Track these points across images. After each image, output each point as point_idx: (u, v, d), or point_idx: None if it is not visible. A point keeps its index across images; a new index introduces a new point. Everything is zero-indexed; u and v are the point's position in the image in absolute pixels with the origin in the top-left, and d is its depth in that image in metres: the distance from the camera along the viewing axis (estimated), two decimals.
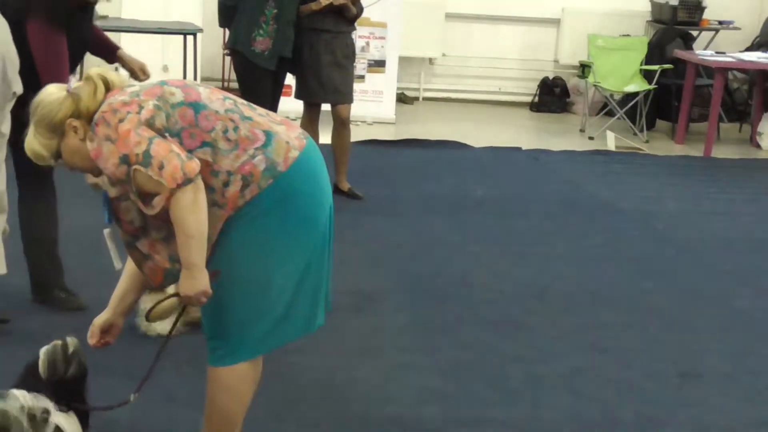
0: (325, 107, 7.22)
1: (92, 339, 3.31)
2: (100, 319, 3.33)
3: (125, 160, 2.94)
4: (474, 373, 4.60)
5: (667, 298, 5.75)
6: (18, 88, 4.03)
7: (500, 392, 4.43)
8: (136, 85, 3.11)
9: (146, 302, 3.77)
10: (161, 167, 2.91)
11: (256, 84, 6.72)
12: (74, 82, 3.11)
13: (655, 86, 10.11)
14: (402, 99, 11.04)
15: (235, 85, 7.24)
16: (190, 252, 2.99)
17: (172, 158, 2.92)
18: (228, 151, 3.02)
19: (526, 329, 5.16)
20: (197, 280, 3.02)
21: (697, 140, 10.04)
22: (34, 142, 3.08)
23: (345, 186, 7.20)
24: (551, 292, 5.71)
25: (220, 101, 3.10)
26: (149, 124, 2.96)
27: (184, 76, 8.41)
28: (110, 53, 5.00)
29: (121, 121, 2.95)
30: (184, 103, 3.03)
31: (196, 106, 3.04)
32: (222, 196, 3.03)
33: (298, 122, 7.18)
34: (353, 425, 3.99)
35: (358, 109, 8.41)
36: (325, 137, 7.22)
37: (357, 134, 8.23)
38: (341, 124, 7.21)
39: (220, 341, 3.18)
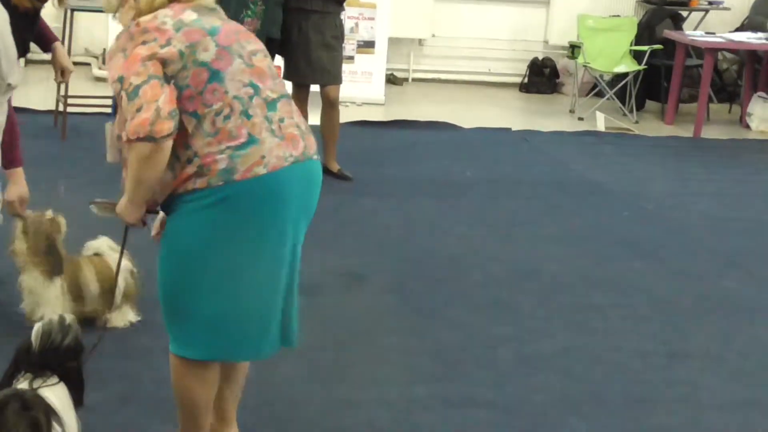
0: (314, 88, 7.20)
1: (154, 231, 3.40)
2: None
3: (120, 80, 3.02)
4: (464, 354, 4.61)
5: (655, 279, 5.76)
6: (14, 79, 3.97)
7: (490, 373, 4.44)
8: (194, 14, 3.10)
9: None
10: (138, 110, 2.96)
11: None
12: None
13: (645, 67, 10.10)
14: (391, 80, 11.02)
15: None
16: (134, 192, 3.13)
17: (149, 108, 2.95)
18: (208, 134, 3.03)
19: (515, 310, 5.16)
20: (131, 212, 3.19)
21: (687, 121, 10.04)
22: None
23: (334, 167, 7.19)
24: (540, 273, 5.71)
25: (239, 84, 3.08)
26: (164, 63, 3.00)
27: None
28: (47, 43, 4.97)
29: (143, 43, 3.01)
30: (207, 65, 3.03)
31: (214, 74, 3.04)
32: (179, 169, 3.06)
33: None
34: (342, 407, 3.99)
35: (347, 90, 8.40)
36: (314, 118, 7.20)
37: (346, 115, 8.21)
38: (330, 105, 7.19)
39: (167, 326, 3.26)
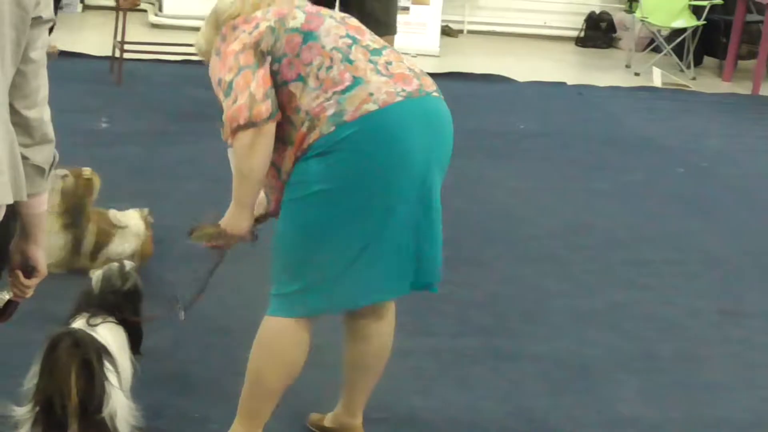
0: None
1: None
2: None
3: (219, 82, 2.99)
4: (514, 307, 4.60)
5: (709, 236, 5.71)
6: (48, 13, 3.90)
7: (540, 327, 4.43)
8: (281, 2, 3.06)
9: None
10: (235, 101, 2.91)
11: None
12: None
13: (704, 22, 9.95)
14: (446, 31, 10.94)
15: None
16: (240, 190, 3.01)
17: (243, 96, 2.89)
18: (313, 89, 2.94)
19: (567, 265, 5.14)
20: (239, 220, 3.05)
21: (745, 78, 9.89)
22: (200, 34, 3.16)
23: None
24: (593, 228, 5.68)
25: (335, 37, 2.99)
26: (255, 46, 2.95)
27: None
28: None
29: (235, 39, 2.98)
30: (298, 30, 2.97)
31: (308, 36, 2.97)
32: (296, 134, 2.95)
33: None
34: (391, 356, 4.00)
35: (401, 41, 8.32)
36: None
37: None
38: None
39: (272, 288, 3.10)
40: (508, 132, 7.52)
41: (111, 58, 7.91)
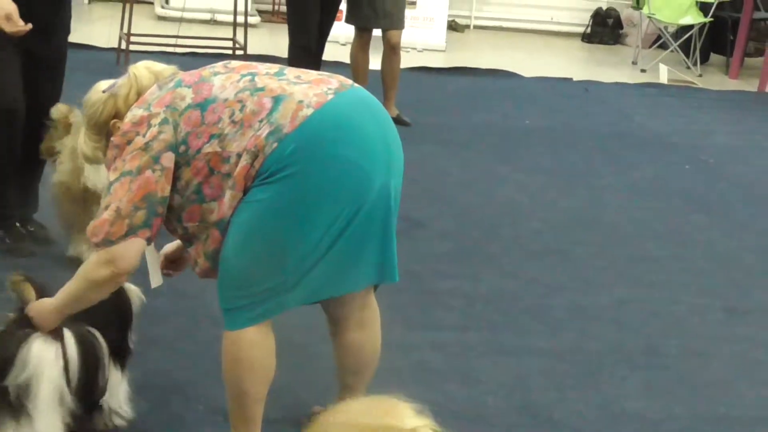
0: (376, 33, 7.16)
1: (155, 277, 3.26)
2: (170, 248, 3.29)
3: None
4: (517, 302, 4.59)
5: (715, 233, 5.70)
6: None
7: (543, 322, 4.43)
8: (154, 92, 2.92)
9: None
10: (105, 208, 2.84)
11: (303, 7, 6.66)
12: (120, 79, 3.01)
13: (711, 19, 9.93)
14: (453, 26, 10.94)
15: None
16: (66, 305, 2.95)
17: (111, 211, 2.83)
18: (234, 133, 2.81)
19: (571, 260, 5.13)
20: (50, 323, 2.98)
21: (752, 75, 9.88)
22: (85, 146, 3.05)
23: (393, 112, 7.16)
24: (598, 224, 5.67)
25: (233, 84, 2.88)
26: (150, 146, 2.83)
27: (236, 4, 8.36)
28: None
29: (128, 143, 2.85)
30: (191, 106, 2.86)
31: (204, 105, 2.85)
32: (233, 179, 2.83)
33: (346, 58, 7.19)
34: (396, 349, 4.00)
35: (408, 35, 8.34)
36: (375, 63, 7.18)
37: (406, 61, 8.16)
38: (392, 50, 7.15)
39: (221, 305, 3.00)
40: (514, 127, 7.51)
41: (117, 50, 7.91)
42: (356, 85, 3.03)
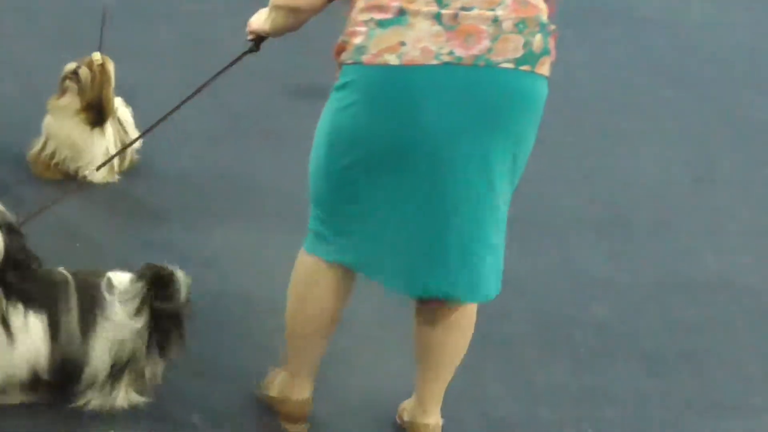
0: None
1: None
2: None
3: None
4: None
5: (686, 107, 5.70)
6: None
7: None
8: None
9: None
10: None
11: None
12: None
13: None
14: None
15: None
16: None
17: None
18: (360, 11, 2.48)
19: (541, 129, 5.11)
20: (266, 22, 2.75)
21: None
22: None
23: None
24: (568, 98, 5.65)
25: None
26: None
27: None
28: None
29: None
30: None
31: None
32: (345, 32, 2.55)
33: None
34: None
35: None
36: None
37: None
38: None
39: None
40: None
41: None
42: (505, 63, 2.44)
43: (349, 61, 2.48)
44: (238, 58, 2.93)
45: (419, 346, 2.83)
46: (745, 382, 3.47)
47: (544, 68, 2.54)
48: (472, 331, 2.79)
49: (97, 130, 3.99)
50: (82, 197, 3.80)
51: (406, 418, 2.96)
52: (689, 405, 3.31)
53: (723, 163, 4.97)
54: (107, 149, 3.98)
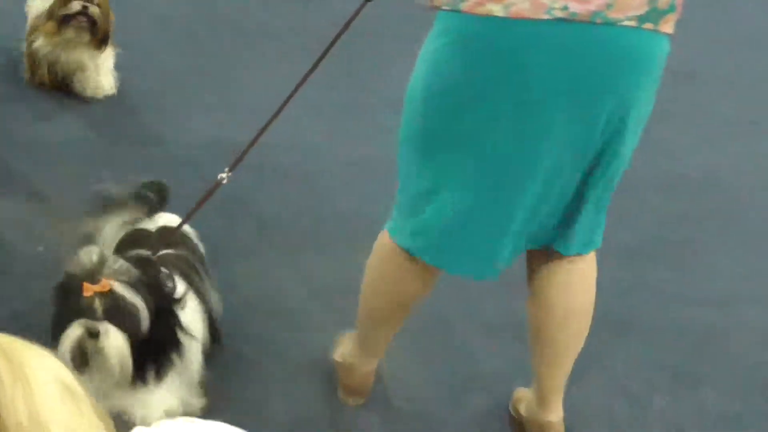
0: None
1: None
2: None
3: None
4: None
5: None
6: None
7: None
8: None
9: None
10: None
11: None
12: None
13: None
14: None
15: None
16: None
17: None
18: None
19: None
20: None
21: None
22: None
23: None
24: None
25: None
26: None
27: None
28: None
29: None
30: None
31: None
32: None
33: None
34: None
35: None
36: None
37: None
38: None
39: None
40: None
41: None
42: (627, 21, 2.05)
43: (446, 7, 2.10)
44: (357, 12, 2.44)
45: (534, 326, 2.50)
46: (714, 274, 3.45)
47: (668, 26, 2.12)
48: (594, 295, 2.45)
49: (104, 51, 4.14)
50: None
51: (523, 412, 2.64)
52: (660, 293, 3.29)
53: (703, 58, 4.92)
54: (112, 65, 4.21)
